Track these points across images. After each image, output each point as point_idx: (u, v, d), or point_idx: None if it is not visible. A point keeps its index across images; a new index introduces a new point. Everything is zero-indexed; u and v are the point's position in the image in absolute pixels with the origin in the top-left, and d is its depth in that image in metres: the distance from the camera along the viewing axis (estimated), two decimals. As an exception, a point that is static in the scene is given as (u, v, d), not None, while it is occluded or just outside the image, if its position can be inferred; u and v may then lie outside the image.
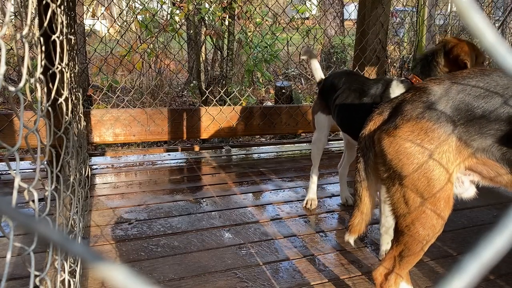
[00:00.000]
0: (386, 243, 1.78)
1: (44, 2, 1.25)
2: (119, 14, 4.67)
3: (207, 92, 3.73)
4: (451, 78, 1.15)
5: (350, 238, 1.39)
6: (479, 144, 1.10)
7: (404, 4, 7.91)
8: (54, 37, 1.30)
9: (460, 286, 0.23)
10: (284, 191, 2.55)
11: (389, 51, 6.72)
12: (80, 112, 2.29)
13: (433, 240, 1.21)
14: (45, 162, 0.92)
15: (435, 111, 1.10)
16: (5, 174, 2.63)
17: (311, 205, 2.31)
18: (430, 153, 1.11)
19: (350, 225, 1.39)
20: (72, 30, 2.19)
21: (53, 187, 1.01)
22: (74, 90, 1.99)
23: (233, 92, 3.65)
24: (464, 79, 1.13)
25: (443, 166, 1.12)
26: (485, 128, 1.08)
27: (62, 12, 1.51)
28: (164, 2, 5.07)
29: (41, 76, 0.94)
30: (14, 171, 0.67)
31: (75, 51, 2.28)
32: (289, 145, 3.54)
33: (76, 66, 2.30)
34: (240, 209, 2.27)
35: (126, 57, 4.17)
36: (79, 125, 2.12)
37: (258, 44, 4.95)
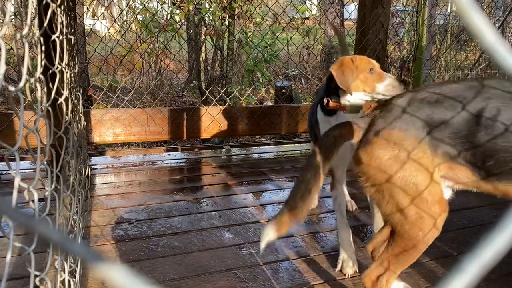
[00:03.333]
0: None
1: (44, 2, 1.25)
2: (119, 14, 4.67)
3: (207, 92, 3.73)
4: (413, 90, 1.23)
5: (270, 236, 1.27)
6: (444, 149, 1.15)
7: (404, 4, 7.90)
8: (54, 37, 1.30)
9: (460, 286, 0.23)
10: (284, 191, 2.54)
11: (389, 51, 6.72)
12: (80, 112, 2.29)
13: (431, 241, 1.22)
14: (45, 162, 0.92)
15: (403, 121, 1.16)
16: (5, 174, 2.64)
17: None
18: (408, 160, 1.15)
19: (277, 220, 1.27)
20: (72, 30, 2.19)
21: (53, 187, 1.01)
22: (74, 90, 1.99)
23: (233, 92, 3.65)
24: (426, 88, 1.21)
25: (424, 171, 1.15)
26: (446, 133, 1.13)
27: (62, 12, 1.51)
28: (164, 2, 5.07)
29: (41, 76, 0.94)
30: (14, 171, 0.67)
31: (75, 51, 2.28)
32: (289, 145, 3.54)
33: (76, 66, 2.30)
34: (240, 209, 2.27)
35: (126, 57, 4.17)
36: (79, 125, 2.12)
37: (258, 44, 4.95)
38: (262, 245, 1.25)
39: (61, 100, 1.35)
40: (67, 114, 1.44)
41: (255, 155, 3.26)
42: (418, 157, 1.15)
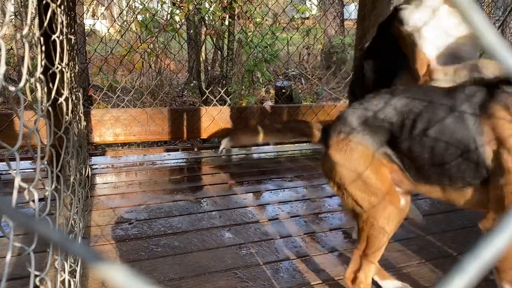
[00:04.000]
0: None
1: (44, 2, 1.25)
2: (119, 14, 4.67)
3: (207, 92, 3.73)
4: (359, 101, 1.39)
5: None
6: (385, 150, 1.29)
7: (404, 4, 7.88)
8: (54, 37, 1.30)
9: (460, 286, 0.23)
10: (284, 191, 2.55)
11: (389, 51, 6.69)
12: (80, 112, 2.29)
13: (392, 232, 1.33)
14: (45, 162, 0.92)
15: (349, 127, 1.33)
16: (5, 174, 2.64)
17: None
18: (355, 159, 1.31)
19: None
20: (72, 30, 2.19)
21: (53, 187, 1.01)
22: (74, 90, 1.99)
23: (233, 92, 3.65)
24: (368, 100, 1.36)
25: (370, 166, 1.30)
26: (384, 136, 1.28)
27: (62, 12, 1.51)
28: (164, 2, 5.07)
29: (41, 76, 0.94)
30: (14, 171, 0.67)
31: (75, 51, 2.28)
32: (289, 145, 3.54)
33: (76, 66, 2.30)
34: (240, 209, 2.27)
35: (126, 57, 4.17)
36: (79, 125, 2.12)
37: (258, 44, 4.95)
38: (221, 148, 1.55)
39: (61, 100, 1.35)
40: (67, 114, 1.44)
41: (255, 155, 3.26)
42: (363, 156, 1.30)
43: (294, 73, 7.15)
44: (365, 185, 1.30)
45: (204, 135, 3.22)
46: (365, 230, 1.33)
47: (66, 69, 1.52)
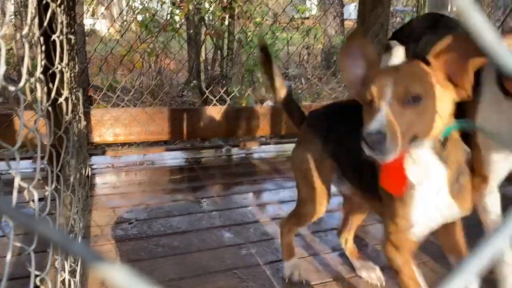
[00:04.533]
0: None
1: (44, 1, 1.25)
2: (119, 14, 4.67)
3: (207, 92, 3.73)
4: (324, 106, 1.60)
5: None
6: (333, 158, 1.41)
7: (404, 4, 7.91)
8: (54, 37, 1.30)
9: (460, 286, 0.23)
10: (284, 190, 2.54)
11: (389, 51, 6.70)
12: (80, 112, 2.29)
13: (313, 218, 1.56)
14: (45, 162, 0.92)
15: (310, 125, 1.53)
16: (5, 174, 2.63)
17: None
18: (305, 154, 1.49)
19: None
20: (72, 30, 2.19)
21: (53, 186, 1.01)
22: (74, 90, 1.99)
23: (233, 92, 3.65)
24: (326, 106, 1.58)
25: (313, 164, 1.47)
26: (332, 144, 1.41)
27: (62, 11, 1.51)
28: (164, 2, 5.07)
29: (41, 76, 0.94)
30: (14, 171, 0.67)
31: (75, 51, 2.27)
32: (289, 145, 3.54)
33: (76, 66, 2.30)
34: (240, 209, 2.27)
35: (126, 57, 4.17)
36: (79, 124, 2.12)
37: (258, 44, 4.94)
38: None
39: (61, 100, 1.35)
40: (67, 114, 1.44)
41: (255, 155, 3.26)
42: (311, 151, 1.47)
43: (294, 73, 7.15)
44: (307, 180, 1.51)
45: (204, 135, 3.22)
46: (297, 208, 1.64)
47: (66, 69, 1.52)
